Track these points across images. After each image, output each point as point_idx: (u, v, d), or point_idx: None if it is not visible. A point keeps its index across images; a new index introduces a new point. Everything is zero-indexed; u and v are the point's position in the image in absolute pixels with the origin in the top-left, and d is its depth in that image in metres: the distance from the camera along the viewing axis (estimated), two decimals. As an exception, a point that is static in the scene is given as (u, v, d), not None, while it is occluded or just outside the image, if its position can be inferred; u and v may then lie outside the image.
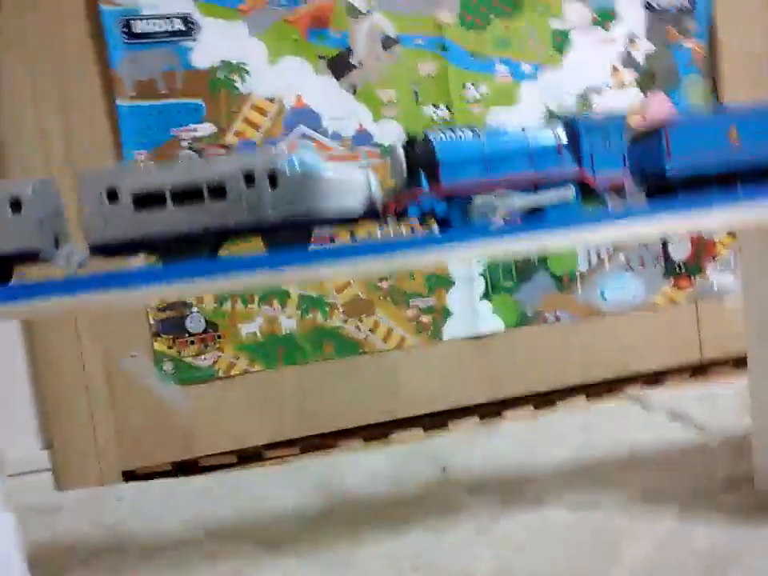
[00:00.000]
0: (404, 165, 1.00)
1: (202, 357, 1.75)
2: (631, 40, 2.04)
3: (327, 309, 1.84)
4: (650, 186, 1.12)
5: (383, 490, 1.40)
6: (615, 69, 2.03)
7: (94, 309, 0.82)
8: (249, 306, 1.77)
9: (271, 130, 1.78)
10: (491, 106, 1.94)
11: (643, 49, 2.05)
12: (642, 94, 2.05)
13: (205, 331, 1.75)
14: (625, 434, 1.57)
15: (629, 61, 2.04)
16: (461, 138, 1.02)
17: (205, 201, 0.87)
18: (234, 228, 0.88)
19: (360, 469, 1.54)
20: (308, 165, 0.89)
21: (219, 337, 1.76)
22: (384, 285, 1.86)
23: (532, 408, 1.92)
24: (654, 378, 2.04)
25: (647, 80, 2.06)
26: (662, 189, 1.09)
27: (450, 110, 1.90)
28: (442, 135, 1.01)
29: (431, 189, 0.97)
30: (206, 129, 1.74)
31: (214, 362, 1.75)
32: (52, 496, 1.57)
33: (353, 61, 1.84)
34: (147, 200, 0.87)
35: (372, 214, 0.97)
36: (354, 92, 1.84)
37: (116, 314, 1.65)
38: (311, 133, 1.81)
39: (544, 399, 1.96)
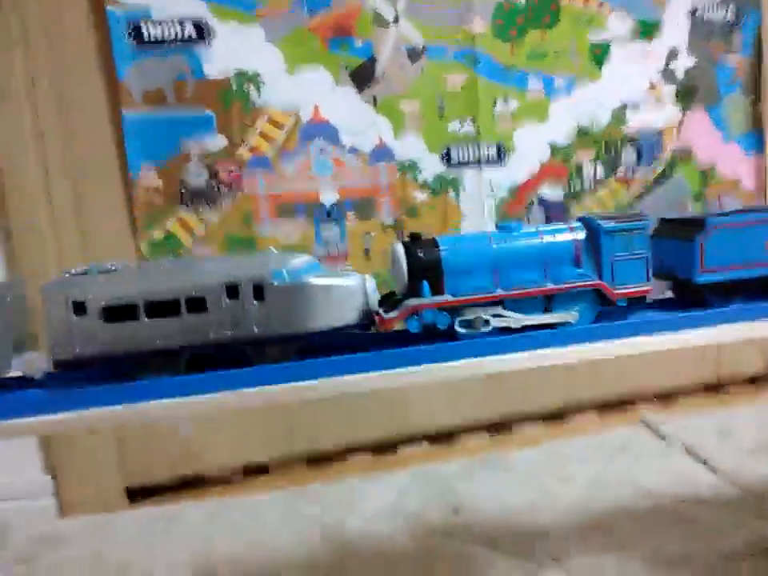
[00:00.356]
0: (405, 270, 0.88)
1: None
2: (672, 53, 1.88)
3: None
4: (676, 286, 1.02)
5: (388, 542, 1.31)
6: (653, 84, 1.88)
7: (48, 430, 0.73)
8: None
9: (286, 144, 1.66)
10: (521, 123, 1.80)
11: (684, 63, 1.89)
12: (680, 111, 1.90)
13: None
14: (639, 473, 1.46)
15: (668, 76, 1.88)
16: (468, 243, 0.92)
17: (182, 314, 0.78)
18: (214, 344, 0.79)
19: (367, 504, 1.45)
20: (297, 275, 0.80)
21: None
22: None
23: (542, 423, 1.83)
24: (668, 395, 1.93)
25: (686, 96, 1.91)
26: (689, 292, 0.98)
27: (475, 126, 1.77)
28: (448, 238, 0.92)
29: (433, 298, 0.86)
30: (217, 142, 1.62)
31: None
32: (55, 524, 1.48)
33: (376, 72, 1.71)
34: (118, 312, 0.77)
35: (367, 324, 0.86)
36: (375, 104, 1.71)
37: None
38: (329, 148, 1.68)
39: (554, 415, 1.87)
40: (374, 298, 0.88)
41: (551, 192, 1.83)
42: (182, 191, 1.60)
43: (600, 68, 1.83)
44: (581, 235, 0.94)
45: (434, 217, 1.75)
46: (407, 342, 0.87)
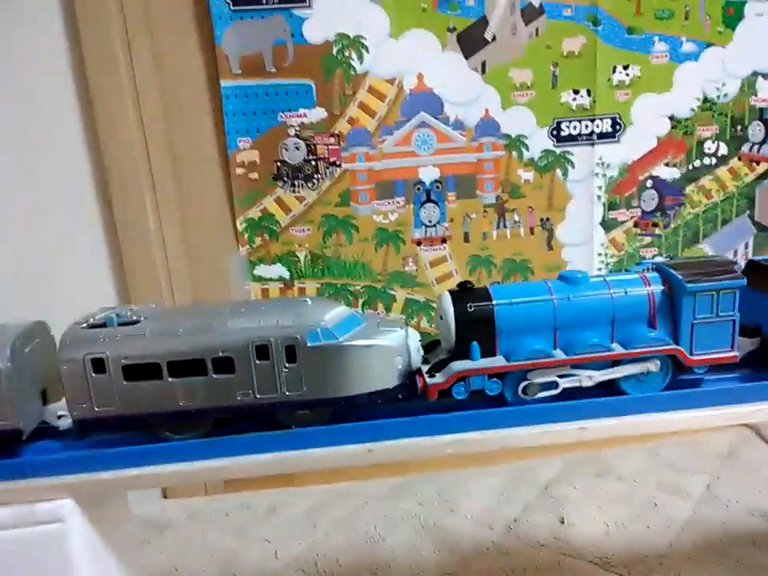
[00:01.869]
0: (453, 328, 0.71)
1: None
2: (821, 13, 1.53)
3: (433, 313, 1.57)
4: (763, 344, 0.78)
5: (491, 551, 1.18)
6: (792, 48, 1.54)
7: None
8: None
9: (387, 117, 1.44)
10: (641, 93, 1.51)
11: (833, 24, 1.54)
12: (819, 80, 1.57)
13: (305, 334, 1.52)
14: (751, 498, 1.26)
15: (812, 39, 1.55)
16: (525, 295, 0.72)
17: (208, 374, 0.67)
18: (241, 407, 0.68)
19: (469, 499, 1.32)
20: (333, 335, 0.67)
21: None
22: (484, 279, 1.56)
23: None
24: None
25: (829, 63, 1.57)
26: None
27: (591, 97, 1.50)
28: (502, 290, 0.73)
29: (483, 363, 0.70)
30: (316, 114, 1.40)
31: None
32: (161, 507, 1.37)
33: (486, 35, 1.44)
34: (139, 371, 0.67)
35: (409, 386, 0.71)
36: (484, 72, 1.45)
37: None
38: (432, 121, 1.45)
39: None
40: (417, 355, 0.71)
41: (667, 171, 1.56)
42: (279, 167, 1.41)
43: (732, 30, 1.51)
44: (657, 289, 0.73)
45: (539, 197, 1.52)
46: (450, 407, 0.71)
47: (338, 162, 1.41)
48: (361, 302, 1.49)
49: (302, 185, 1.41)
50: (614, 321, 0.72)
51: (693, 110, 1.52)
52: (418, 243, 1.48)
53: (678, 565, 1.09)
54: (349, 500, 1.34)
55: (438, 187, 1.46)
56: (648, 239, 1.57)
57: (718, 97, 1.52)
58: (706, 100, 1.52)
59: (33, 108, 1.24)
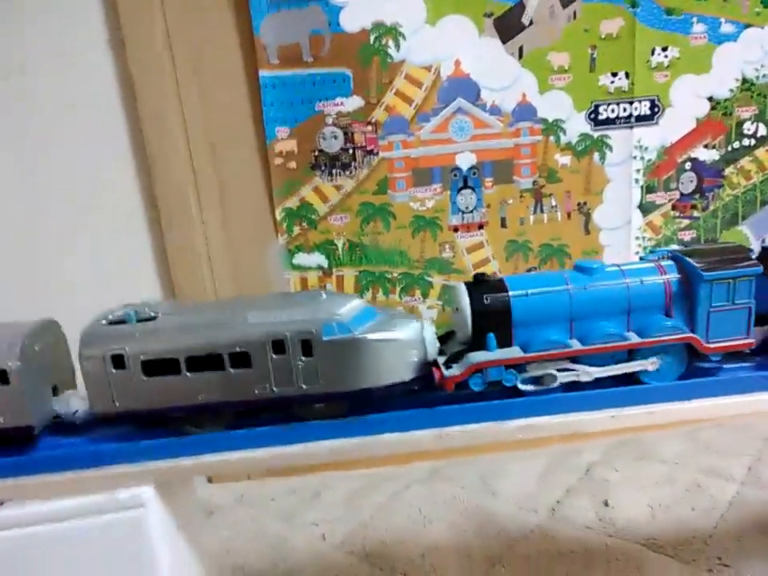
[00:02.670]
0: (469, 320, 0.71)
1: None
2: None
3: (470, 299, 1.57)
4: None
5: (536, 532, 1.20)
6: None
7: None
8: (390, 296, 1.53)
9: (424, 104, 1.44)
10: (680, 74, 1.49)
11: None
12: None
13: (344, 322, 1.53)
14: None
15: None
16: (541, 286, 0.72)
17: (225, 369, 0.68)
18: (259, 401, 0.69)
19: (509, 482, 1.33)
20: (348, 328, 0.68)
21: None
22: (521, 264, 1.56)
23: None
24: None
25: None
26: None
27: (629, 79, 1.48)
28: (518, 281, 0.72)
29: (500, 354, 0.70)
30: (353, 103, 1.40)
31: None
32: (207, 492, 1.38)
33: (523, 19, 1.43)
34: (158, 366, 0.68)
35: (425, 378, 0.72)
36: (521, 57, 1.45)
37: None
38: (469, 107, 1.45)
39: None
40: (433, 347, 0.71)
41: (706, 153, 1.55)
42: (316, 156, 1.42)
43: (772, 9, 1.48)
44: (673, 278, 0.72)
45: (577, 181, 1.51)
46: (465, 397, 0.71)
47: (375, 150, 1.42)
48: (398, 288, 1.50)
49: (340, 173, 1.42)
50: (630, 310, 0.72)
51: (732, 90, 1.49)
52: (455, 230, 1.49)
53: (724, 545, 1.10)
54: (390, 484, 1.36)
55: (474, 173, 1.46)
56: (686, 222, 1.56)
57: (757, 77, 1.49)
58: (744, 81, 1.49)
59: (75, 97, 1.25)
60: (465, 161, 1.45)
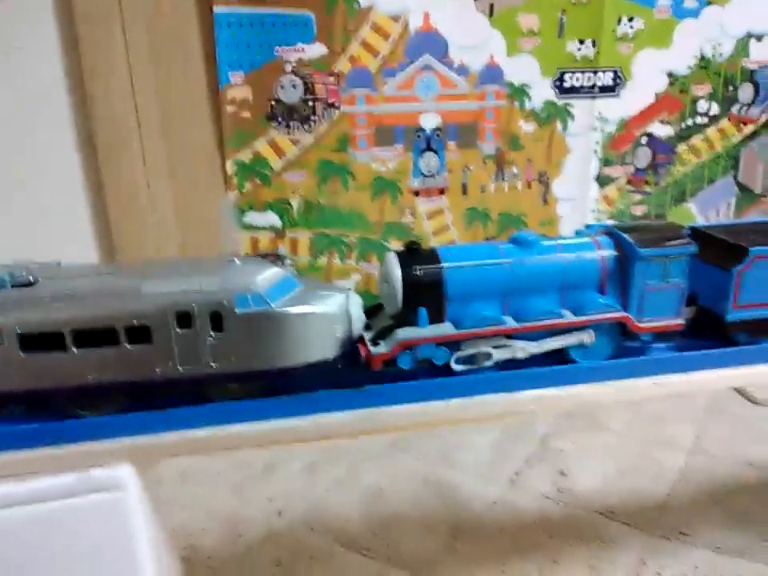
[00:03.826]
0: (400, 292, 0.65)
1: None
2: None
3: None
4: (700, 312, 0.77)
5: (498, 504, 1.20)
6: (786, 11, 1.56)
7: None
8: (346, 261, 1.46)
9: (390, 59, 1.36)
10: (643, 47, 1.50)
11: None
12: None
13: (296, 287, 1.45)
14: (737, 449, 1.33)
15: (805, 2, 1.57)
16: (476, 258, 0.68)
17: (120, 345, 0.58)
18: (161, 381, 0.60)
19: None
20: (264, 300, 0.60)
21: None
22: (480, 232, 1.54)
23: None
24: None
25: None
26: (714, 325, 0.76)
27: (596, 48, 1.47)
28: (452, 252, 0.68)
29: (431, 330, 0.65)
30: (315, 50, 1.30)
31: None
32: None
33: (496, -25, 1.37)
34: (40, 341, 0.58)
35: (349, 357, 0.65)
36: (491, 15, 1.40)
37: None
38: (436, 64, 1.39)
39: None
40: (359, 322, 0.65)
41: (662, 129, 1.57)
42: (273, 106, 1.32)
43: (732, -12, 1.51)
44: (609, 254, 0.71)
45: (538, 150, 1.49)
46: (392, 377, 0.67)
47: (336, 104, 1.33)
48: (355, 254, 1.43)
49: (298, 126, 1.32)
50: (565, 286, 0.70)
51: (690, 67, 1.52)
52: (416, 194, 1.43)
53: (679, 514, 1.13)
54: (345, 457, 1.31)
55: (438, 135, 1.41)
56: (639, 197, 1.59)
57: (713, 56, 1.53)
58: (702, 58, 1.52)
59: (12, 38, 1.09)
60: (429, 121, 1.39)
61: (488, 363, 0.68)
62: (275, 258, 1.38)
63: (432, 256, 0.67)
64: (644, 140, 1.54)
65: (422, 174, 1.42)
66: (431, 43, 1.34)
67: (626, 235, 0.71)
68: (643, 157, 1.55)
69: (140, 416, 0.61)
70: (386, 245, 1.44)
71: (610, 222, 0.76)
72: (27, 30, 1.10)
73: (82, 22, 1.10)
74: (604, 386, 0.71)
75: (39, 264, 0.63)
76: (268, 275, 0.62)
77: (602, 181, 1.54)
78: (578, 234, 0.76)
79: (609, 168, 1.54)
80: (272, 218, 1.36)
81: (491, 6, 1.35)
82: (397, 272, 0.65)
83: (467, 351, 0.67)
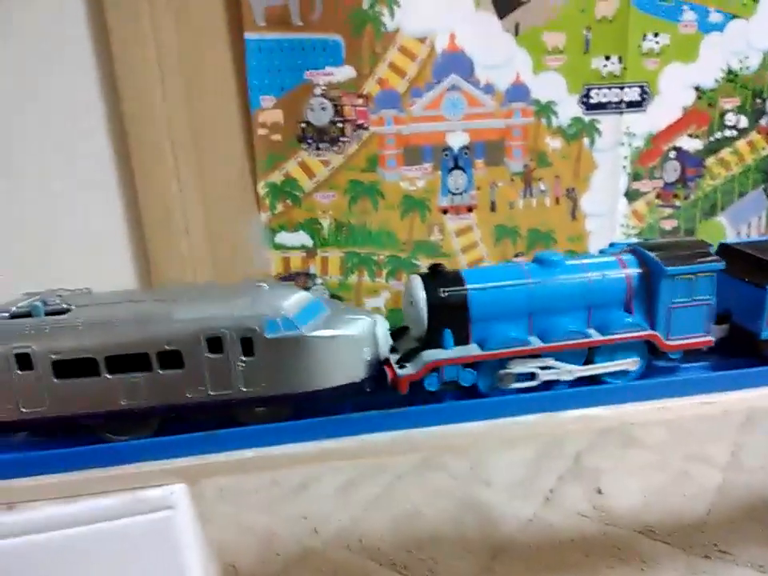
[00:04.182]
0: (425, 314, 0.65)
1: (322, 331, 1.48)
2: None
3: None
4: (733, 330, 0.75)
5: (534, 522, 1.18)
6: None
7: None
8: (376, 279, 1.48)
9: (417, 79, 1.38)
10: (669, 62, 1.50)
11: None
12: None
13: (327, 305, 1.47)
14: None
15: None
16: (500, 279, 0.68)
17: (152, 369, 0.59)
18: (192, 405, 0.61)
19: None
20: (294, 324, 0.60)
21: None
22: (519, 261, 1.54)
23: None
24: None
25: None
26: (748, 343, 0.74)
27: (622, 63, 1.48)
28: (476, 273, 0.68)
29: (457, 352, 0.65)
30: (344, 73, 1.33)
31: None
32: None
33: (521, -5, 1.39)
34: (73, 367, 0.58)
35: (377, 378, 0.65)
36: (516, 34, 1.42)
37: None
38: (462, 84, 1.41)
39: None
40: (386, 345, 0.66)
41: (690, 142, 1.57)
42: (304, 128, 1.35)
43: (756, 2, 1.51)
44: (634, 272, 0.69)
45: (566, 166, 1.50)
46: (420, 399, 0.66)
47: (365, 125, 1.35)
48: (385, 272, 1.45)
49: (328, 148, 1.35)
50: (590, 305, 0.69)
51: (717, 81, 1.52)
52: (444, 211, 1.45)
53: (719, 532, 1.11)
54: (378, 476, 1.31)
55: (466, 153, 1.42)
56: (668, 211, 1.58)
57: (741, 69, 1.53)
58: (729, 72, 1.52)
59: (51, 67, 1.13)
60: (456, 140, 1.41)
61: (533, 384, 0.68)
62: (306, 278, 1.39)
63: (456, 278, 0.67)
64: (672, 154, 1.54)
65: (451, 192, 1.43)
66: (457, 63, 1.36)
67: (651, 253, 0.70)
68: (672, 171, 1.55)
69: (189, 437, 0.62)
70: (415, 263, 1.45)
71: (635, 240, 0.75)
72: (66, 59, 1.15)
73: (118, 49, 1.14)
74: (641, 406, 0.70)
75: (71, 291, 0.65)
76: (296, 299, 0.63)
77: (631, 196, 1.54)
78: (603, 252, 0.76)
79: (638, 183, 1.54)
80: (303, 238, 1.38)
81: (517, 25, 1.37)
82: (421, 294, 0.66)
83: (514, 369, 0.67)
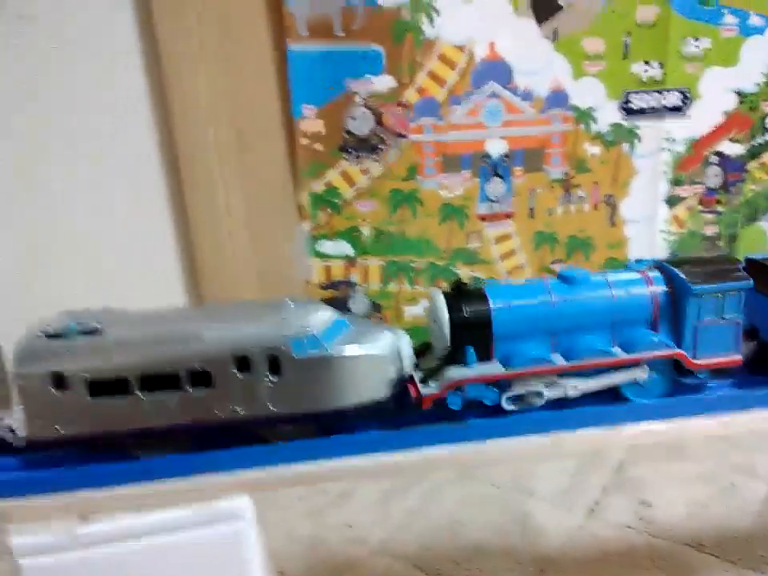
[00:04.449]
0: (448, 331, 0.65)
1: (362, 339, 1.49)
2: None
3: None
4: (760, 347, 0.74)
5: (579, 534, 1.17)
6: None
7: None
8: (414, 287, 1.48)
9: (457, 87, 1.39)
10: (710, 66, 1.49)
11: None
12: None
13: (368, 313, 1.48)
14: None
15: None
16: (523, 296, 0.68)
17: (183, 388, 0.61)
18: (221, 423, 0.62)
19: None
20: (319, 343, 0.61)
21: (382, 318, 1.48)
22: (557, 267, 1.54)
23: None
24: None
25: None
26: None
27: (662, 69, 1.47)
28: (499, 290, 0.68)
29: (480, 370, 0.65)
30: (384, 82, 1.34)
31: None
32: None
33: (560, 0, 1.40)
34: (106, 386, 0.60)
35: (400, 395, 0.66)
36: (555, 40, 1.42)
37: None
38: (501, 91, 1.41)
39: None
40: (409, 361, 0.66)
41: (731, 147, 1.55)
42: (345, 137, 1.36)
43: (798, 3, 1.50)
44: (660, 290, 0.68)
45: (605, 172, 1.49)
46: (443, 416, 0.67)
47: (405, 134, 1.36)
48: (424, 279, 1.45)
49: (368, 157, 1.36)
50: (615, 323, 0.68)
51: (758, 84, 1.50)
52: (483, 219, 1.45)
53: (764, 543, 1.10)
54: (419, 485, 1.31)
55: (505, 161, 1.42)
56: (710, 216, 1.56)
57: (782, 72, 1.51)
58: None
59: (100, 78, 1.16)
60: (495, 148, 1.41)
61: (539, 402, 0.67)
62: (348, 286, 1.40)
63: (479, 295, 0.67)
64: (714, 159, 1.52)
65: (489, 199, 1.43)
66: (496, 70, 1.36)
67: (677, 270, 0.69)
68: (713, 176, 1.53)
69: (253, 450, 0.63)
70: (454, 270, 1.45)
71: (660, 257, 0.74)
72: (116, 72, 1.17)
73: (166, 62, 1.16)
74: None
75: (104, 310, 0.66)
76: (322, 318, 0.64)
77: (672, 201, 1.53)
78: (628, 269, 0.74)
79: (678, 188, 1.52)
80: (344, 247, 1.39)
81: (555, 31, 1.37)
82: (444, 312, 0.66)
83: (517, 391, 0.66)
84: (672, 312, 0.69)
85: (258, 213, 1.31)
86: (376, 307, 1.43)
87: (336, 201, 1.36)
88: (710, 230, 1.56)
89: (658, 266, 0.71)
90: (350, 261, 1.39)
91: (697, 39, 1.43)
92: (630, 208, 1.51)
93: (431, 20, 1.30)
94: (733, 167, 1.53)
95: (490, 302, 0.66)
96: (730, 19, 1.44)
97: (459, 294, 0.67)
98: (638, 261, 0.75)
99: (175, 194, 1.24)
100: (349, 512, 1.23)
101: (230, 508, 0.59)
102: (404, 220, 1.39)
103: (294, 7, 1.24)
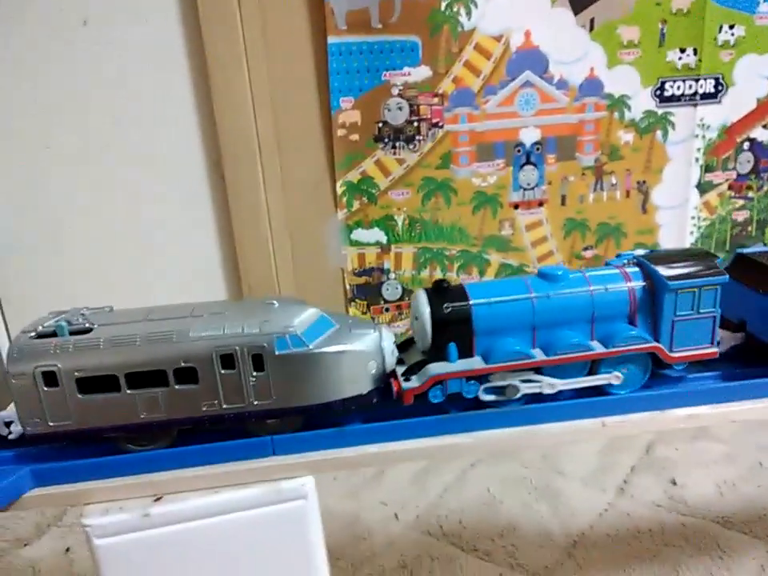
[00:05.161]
0: (429, 329, 0.67)
1: (396, 324, 1.54)
2: None
3: (525, 277, 1.58)
4: (746, 338, 0.77)
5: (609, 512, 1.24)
6: None
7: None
8: (447, 274, 1.52)
9: (492, 77, 1.41)
10: (744, 53, 1.49)
11: None
12: None
13: (401, 299, 1.52)
14: None
15: None
16: (503, 294, 0.69)
17: (170, 385, 0.63)
18: (207, 418, 0.65)
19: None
20: (302, 341, 0.64)
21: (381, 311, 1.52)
22: (587, 254, 1.57)
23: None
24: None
25: None
26: (760, 351, 0.75)
27: (697, 56, 1.48)
28: (479, 288, 0.70)
29: (461, 365, 0.67)
30: (420, 73, 1.36)
31: (407, 330, 1.55)
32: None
33: (596, -10, 1.40)
34: (96, 383, 0.63)
35: (383, 390, 0.68)
36: (591, 29, 1.43)
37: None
38: (536, 80, 1.43)
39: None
40: (392, 357, 0.68)
41: (764, 133, 1.56)
42: (380, 127, 1.39)
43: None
44: (637, 285, 0.70)
45: (637, 160, 1.51)
46: (424, 410, 0.69)
47: (440, 123, 1.39)
48: (456, 266, 1.49)
49: (403, 146, 1.39)
50: (594, 319, 0.70)
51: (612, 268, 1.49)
52: (516, 206, 1.48)
53: None
54: (452, 464, 1.38)
55: (538, 149, 1.45)
56: (741, 202, 1.58)
57: (817, 57, 1.51)
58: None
59: (149, 78, 1.20)
60: (529, 136, 1.43)
61: (516, 396, 0.69)
62: (381, 273, 1.45)
63: (460, 293, 0.69)
64: (746, 145, 1.53)
65: (522, 187, 1.46)
66: (532, 60, 1.38)
67: (654, 266, 0.70)
68: (746, 162, 1.55)
69: (317, 434, 0.68)
70: (486, 257, 1.49)
71: (638, 252, 0.77)
72: (164, 71, 1.21)
73: (212, 64, 1.20)
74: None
75: (93, 310, 0.70)
76: (305, 317, 0.66)
77: (703, 187, 1.54)
78: (607, 265, 0.76)
79: (710, 174, 1.54)
80: (378, 235, 1.43)
81: (592, 20, 1.38)
82: (426, 310, 0.68)
83: (495, 383, 0.69)
84: (650, 307, 0.71)
85: (295, 202, 1.36)
86: (408, 293, 1.48)
87: (371, 190, 1.40)
88: (740, 216, 1.58)
89: (637, 261, 0.73)
90: (383, 248, 1.44)
91: (732, 27, 1.43)
92: (662, 195, 1.53)
93: (468, 11, 1.32)
94: (765, 153, 1.54)
95: (471, 299, 0.69)
96: (764, 7, 1.44)
97: (440, 293, 0.69)
98: (619, 255, 0.76)
99: (217, 189, 1.29)
100: (384, 490, 1.29)
101: (295, 488, 0.64)
102: (437, 208, 1.43)
103: (334, 1, 1.27)
